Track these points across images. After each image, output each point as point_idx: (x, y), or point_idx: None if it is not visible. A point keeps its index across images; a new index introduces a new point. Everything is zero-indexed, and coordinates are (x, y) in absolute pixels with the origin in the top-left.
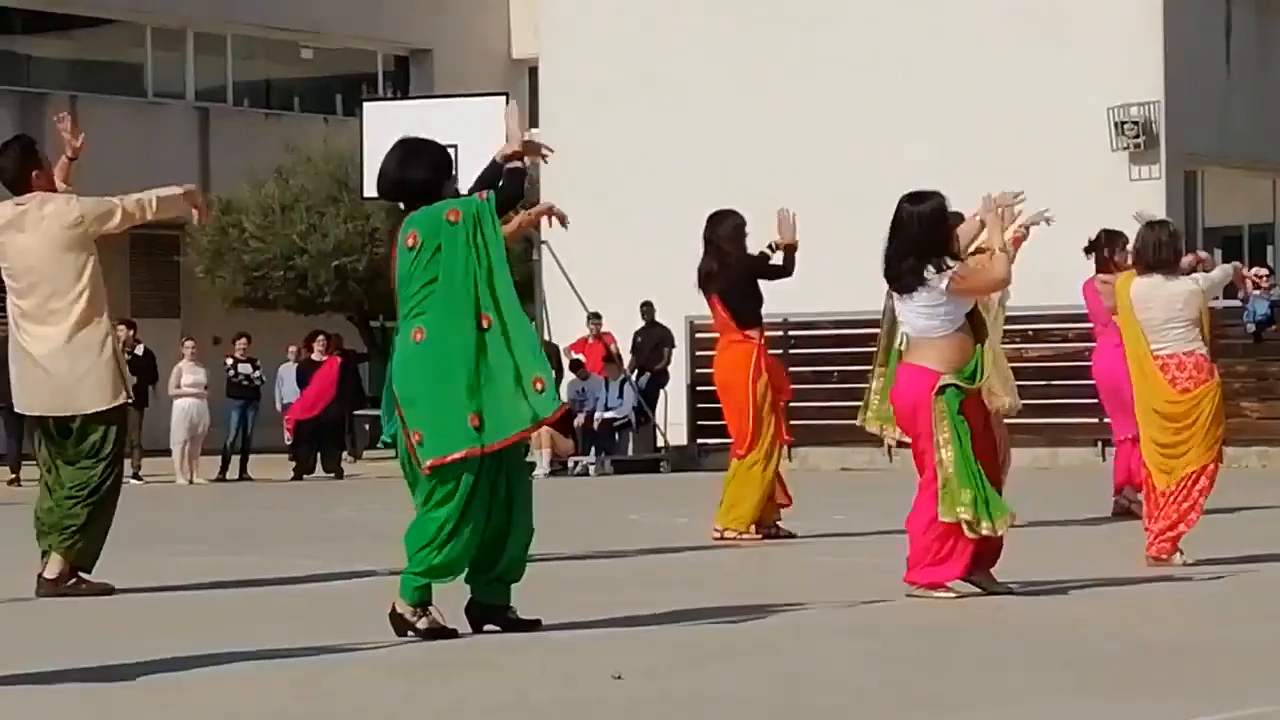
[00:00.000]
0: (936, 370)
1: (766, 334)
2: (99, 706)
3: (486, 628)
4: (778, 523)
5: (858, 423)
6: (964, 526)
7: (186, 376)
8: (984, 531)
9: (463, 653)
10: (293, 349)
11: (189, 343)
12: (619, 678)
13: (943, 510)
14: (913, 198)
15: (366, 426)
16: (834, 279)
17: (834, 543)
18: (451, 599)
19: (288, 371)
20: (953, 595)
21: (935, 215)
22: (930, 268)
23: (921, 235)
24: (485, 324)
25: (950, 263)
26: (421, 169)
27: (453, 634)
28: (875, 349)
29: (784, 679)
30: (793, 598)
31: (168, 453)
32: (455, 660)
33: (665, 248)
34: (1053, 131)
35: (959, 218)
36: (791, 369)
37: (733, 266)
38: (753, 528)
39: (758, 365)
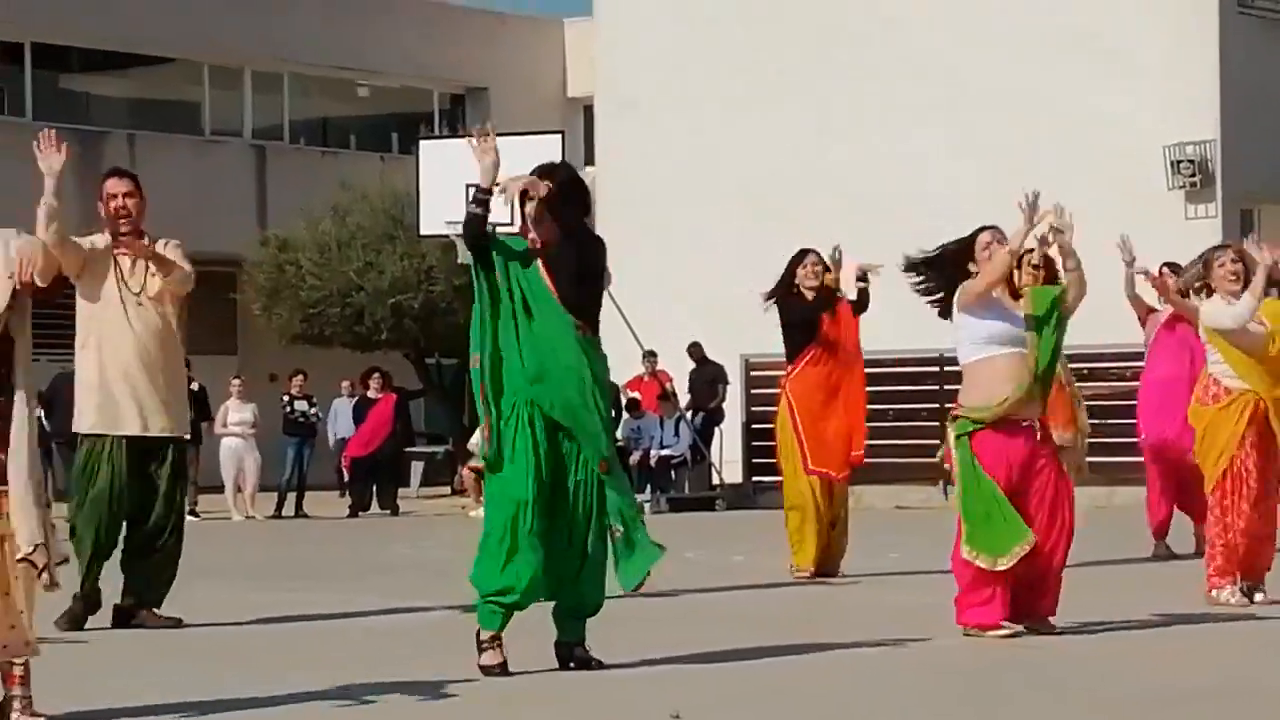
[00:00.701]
0: (961, 403)
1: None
2: None
3: (555, 663)
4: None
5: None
6: (977, 562)
7: (233, 415)
8: (982, 565)
9: (522, 689)
10: (345, 384)
11: (235, 381)
12: (677, 717)
13: (962, 549)
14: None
15: (421, 464)
16: (892, 314)
17: (889, 581)
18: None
19: (342, 406)
20: (1005, 634)
21: (962, 244)
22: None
23: (949, 256)
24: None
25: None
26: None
27: (506, 672)
28: (933, 387)
29: (840, 718)
30: (848, 636)
31: (221, 489)
32: (514, 696)
33: (720, 284)
34: (1106, 166)
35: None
36: None
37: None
38: (810, 567)
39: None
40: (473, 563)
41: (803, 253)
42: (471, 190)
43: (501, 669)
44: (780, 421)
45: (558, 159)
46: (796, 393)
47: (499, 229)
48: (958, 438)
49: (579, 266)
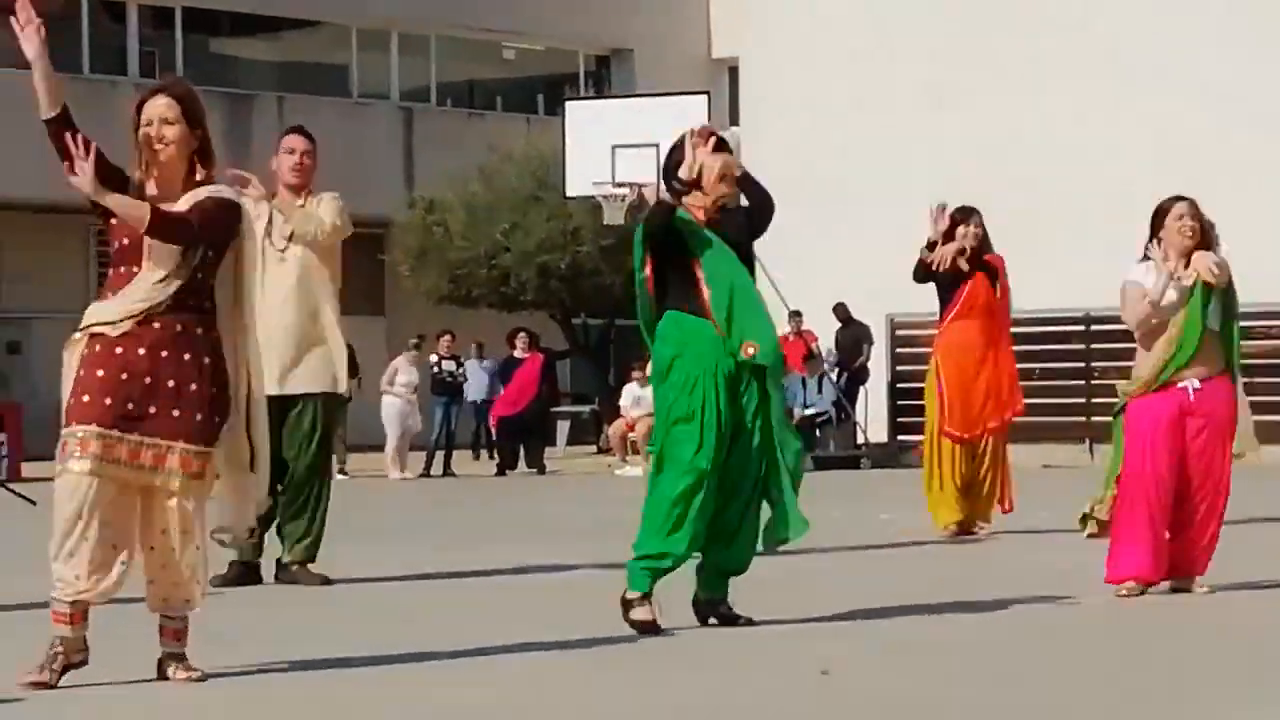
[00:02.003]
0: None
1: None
2: (322, 698)
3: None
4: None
5: None
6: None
7: (401, 375)
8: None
9: (671, 647)
10: (474, 346)
11: (414, 344)
12: (826, 673)
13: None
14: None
15: (567, 423)
16: (1039, 277)
17: (1037, 540)
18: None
19: (473, 369)
20: (1145, 592)
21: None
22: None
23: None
24: None
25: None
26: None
27: (659, 630)
28: (1079, 346)
29: (990, 677)
30: (996, 594)
31: (371, 448)
32: (662, 654)
33: (865, 244)
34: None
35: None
36: None
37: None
38: (953, 525)
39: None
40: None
41: (966, 212)
42: (674, 182)
43: (654, 626)
44: (928, 380)
45: (703, 120)
46: (944, 352)
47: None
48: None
49: (746, 230)
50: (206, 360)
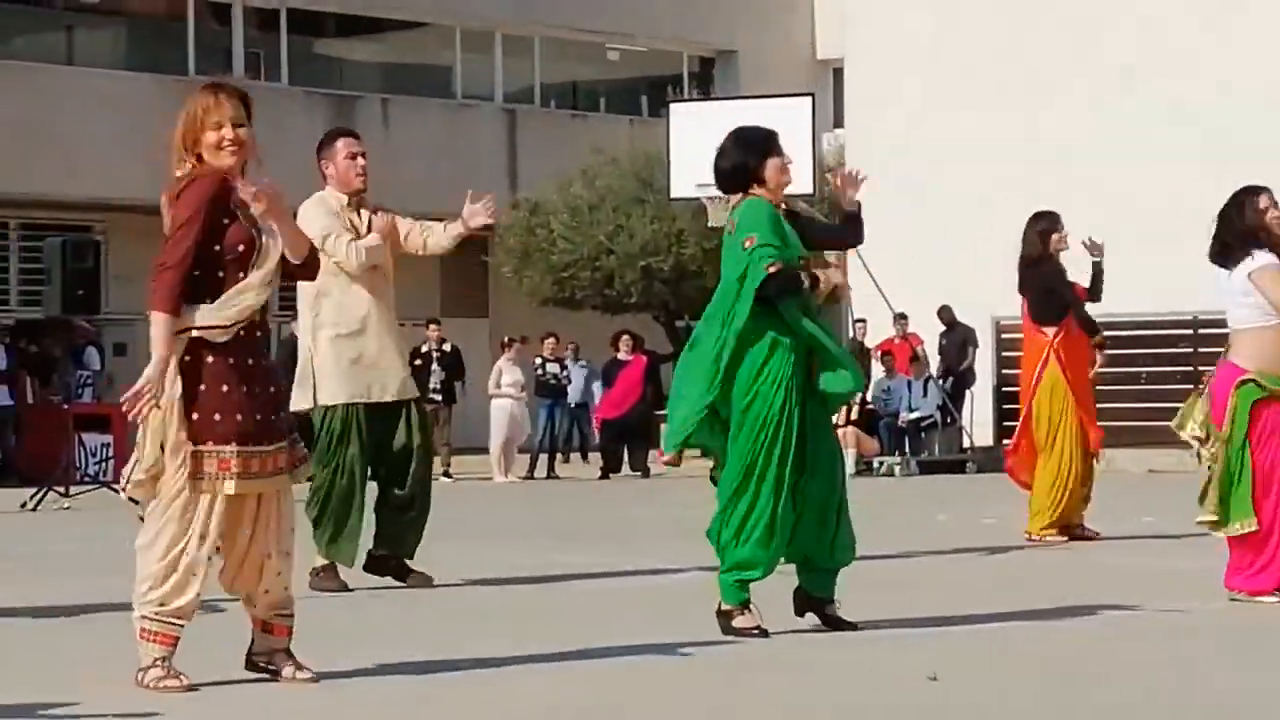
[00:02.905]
0: (1244, 367)
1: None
2: (422, 697)
3: (804, 625)
4: (1083, 524)
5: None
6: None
7: (506, 376)
8: (1221, 535)
9: (770, 651)
10: (570, 348)
11: (515, 344)
12: (934, 679)
13: (1200, 510)
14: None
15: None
16: (1140, 280)
17: (1144, 545)
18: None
19: (575, 372)
20: (1276, 601)
21: (1236, 197)
22: (1241, 248)
23: (1232, 212)
24: None
25: (1259, 254)
26: (727, 158)
27: (764, 634)
28: (1186, 350)
29: (1099, 681)
30: (1106, 599)
31: (476, 450)
32: (766, 658)
33: (969, 247)
34: None
35: None
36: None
37: (1031, 265)
38: (1055, 530)
39: (1045, 363)
40: (716, 526)
41: (1046, 217)
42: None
43: (758, 630)
44: (1051, 383)
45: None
46: (1068, 355)
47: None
48: (1240, 402)
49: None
50: (274, 360)
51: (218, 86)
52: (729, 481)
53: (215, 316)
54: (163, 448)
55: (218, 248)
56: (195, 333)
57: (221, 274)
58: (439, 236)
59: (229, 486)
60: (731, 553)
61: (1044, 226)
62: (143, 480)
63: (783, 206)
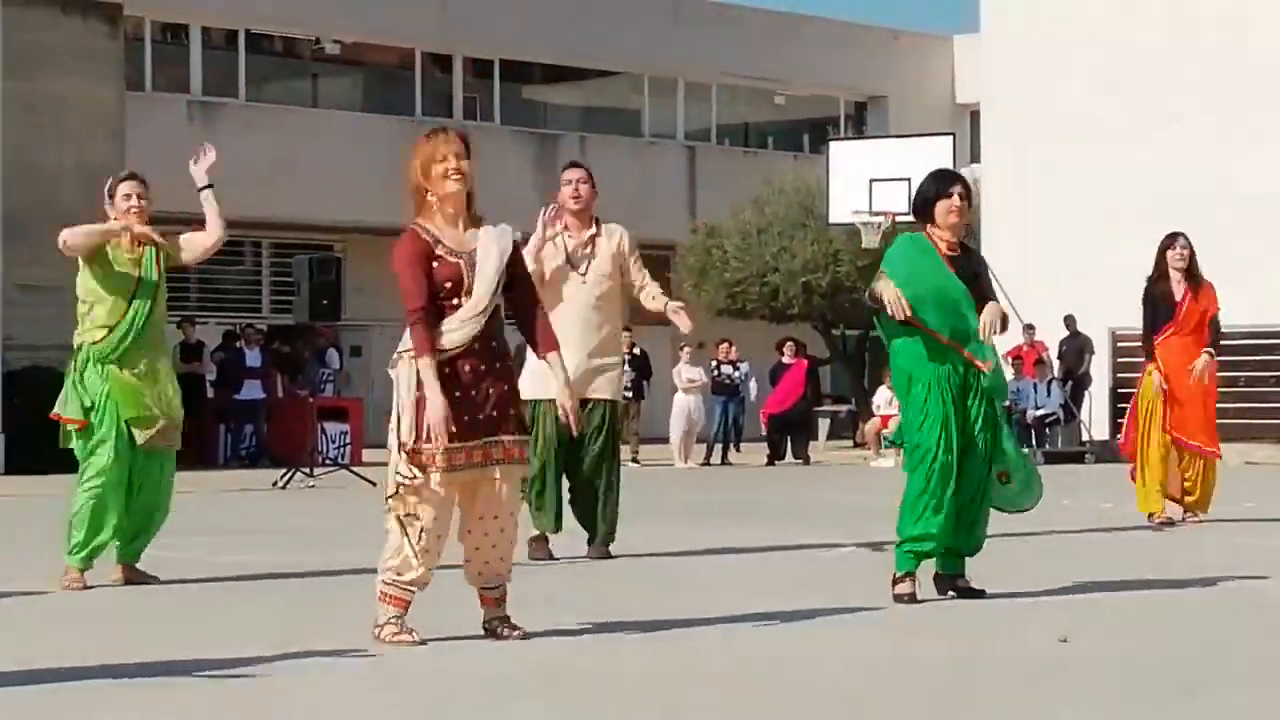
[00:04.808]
0: None
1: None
2: (603, 661)
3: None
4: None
5: None
6: None
7: (686, 373)
8: None
9: (912, 618)
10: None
11: (686, 348)
12: (1064, 640)
13: None
14: None
15: (827, 421)
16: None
17: (1251, 526)
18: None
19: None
20: None
21: None
22: None
23: None
24: None
25: None
26: (916, 195)
27: (915, 600)
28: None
29: (1216, 646)
30: (1220, 572)
31: (661, 440)
32: (905, 624)
33: (1090, 265)
34: None
35: None
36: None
37: (1148, 280)
38: (1160, 514)
39: (1147, 365)
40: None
41: (1172, 236)
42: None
43: (911, 598)
44: (1146, 382)
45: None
46: (1166, 358)
47: (897, 217)
48: None
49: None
50: (510, 363)
51: (444, 130)
52: (905, 466)
53: (446, 340)
54: (401, 447)
55: (432, 288)
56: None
57: (441, 303)
58: (645, 298)
59: (435, 479)
60: (904, 527)
61: (1162, 244)
62: (402, 482)
63: (949, 240)
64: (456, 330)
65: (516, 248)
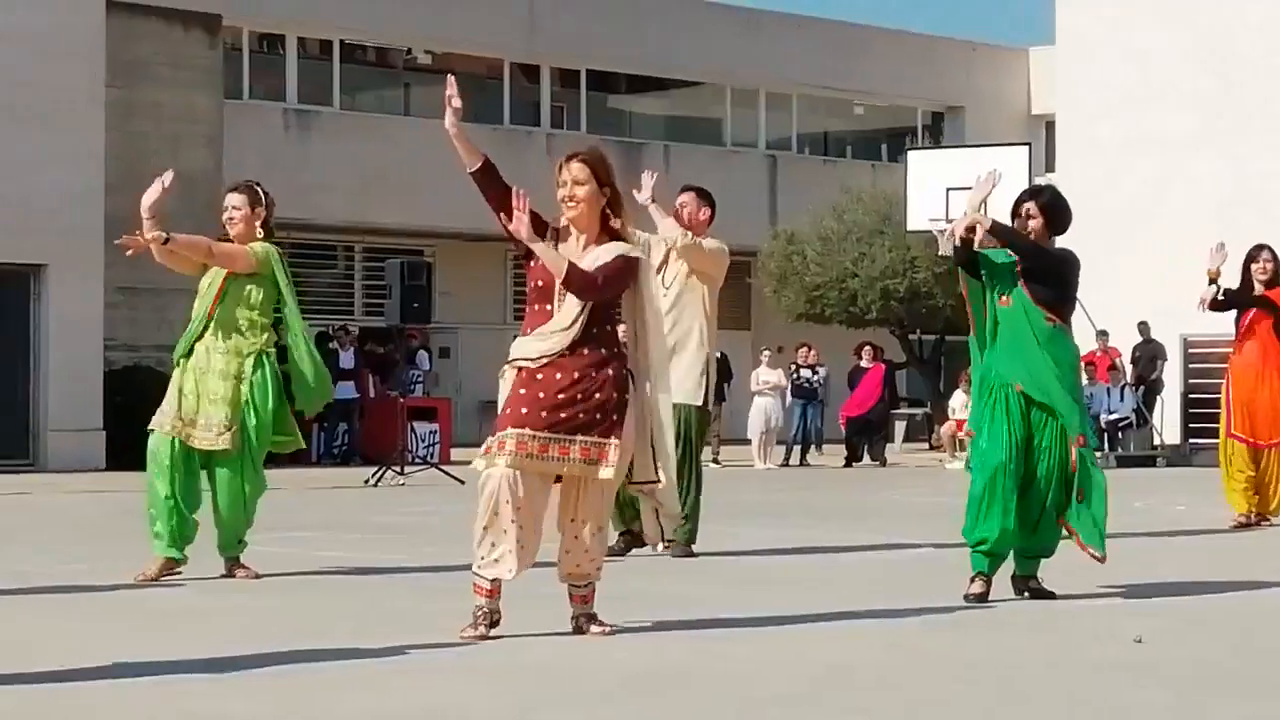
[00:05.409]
0: None
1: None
2: (685, 658)
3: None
4: (1251, 512)
5: None
6: None
7: (764, 376)
8: None
9: (983, 617)
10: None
11: (766, 351)
12: (1139, 640)
13: None
14: None
15: (903, 424)
16: None
17: None
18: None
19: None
20: None
21: None
22: None
23: None
24: None
25: None
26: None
27: (984, 601)
28: None
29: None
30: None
31: (741, 441)
32: (976, 621)
33: (1163, 273)
34: None
35: None
36: None
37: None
38: (1240, 516)
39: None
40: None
41: (1257, 248)
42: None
43: (980, 598)
44: (1223, 390)
45: (1024, 168)
46: (1234, 366)
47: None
48: None
49: (1051, 273)
50: (610, 372)
51: (570, 156)
52: (973, 473)
53: (523, 350)
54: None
55: (532, 282)
56: (519, 362)
57: (535, 306)
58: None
59: (497, 464)
60: (968, 529)
61: (1247, 257)
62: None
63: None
64: (538, 342)
65: (630, 263)
